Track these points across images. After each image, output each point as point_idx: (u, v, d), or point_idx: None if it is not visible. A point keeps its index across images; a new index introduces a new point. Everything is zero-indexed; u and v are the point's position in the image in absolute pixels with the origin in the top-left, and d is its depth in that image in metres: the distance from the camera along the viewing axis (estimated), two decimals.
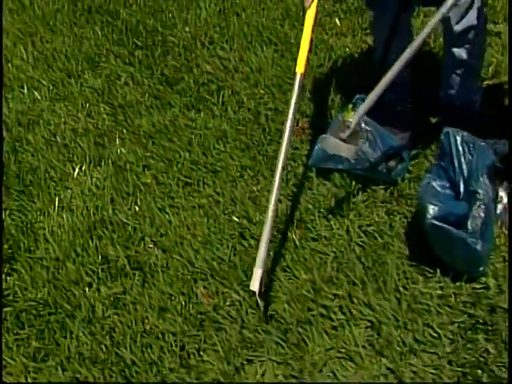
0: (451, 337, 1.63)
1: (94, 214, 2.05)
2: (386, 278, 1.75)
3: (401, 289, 1.73)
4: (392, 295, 1.71)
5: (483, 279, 1.75)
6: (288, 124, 1.71)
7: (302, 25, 2.78)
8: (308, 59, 1.79)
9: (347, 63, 2.53)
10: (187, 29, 2.90)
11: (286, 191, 2.01)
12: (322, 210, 1.96)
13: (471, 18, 1.94)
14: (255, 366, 1.60)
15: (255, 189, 2.07)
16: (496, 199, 1.78)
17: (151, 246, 1.94)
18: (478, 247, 1.62)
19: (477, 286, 1.74)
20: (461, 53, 2.04)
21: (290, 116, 1.72)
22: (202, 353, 1.64)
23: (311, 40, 1.81)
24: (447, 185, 1.73)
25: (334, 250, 1.84)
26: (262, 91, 2.46)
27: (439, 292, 1.72)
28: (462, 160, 1.74)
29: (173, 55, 2.73)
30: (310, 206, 1.98)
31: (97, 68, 2.73)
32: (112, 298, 1.80)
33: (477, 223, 1.62)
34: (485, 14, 2.03)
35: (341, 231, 1.89)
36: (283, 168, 1.72)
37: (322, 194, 2.02)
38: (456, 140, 1.77)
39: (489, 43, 2.58)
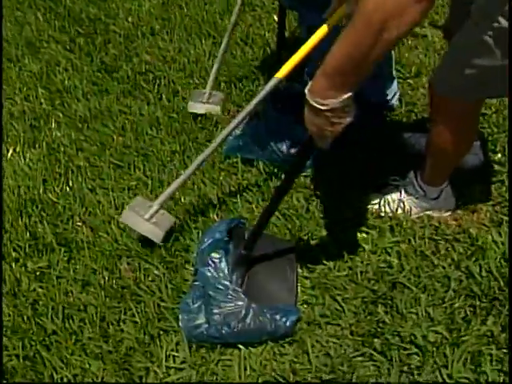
0: (354, 310, 1.76)
1: (25, 193, 2.11)
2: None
3: (309, 265, 1.86)
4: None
5: (388, 258, 1.90)
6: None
7: (241, 19, 2.94)
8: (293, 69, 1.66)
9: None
10: (130, 19, 2.97)
11: (212, 175, 2.12)
12: (244, 194, 2.07)
13: None
14: (170, 335, 1.70)
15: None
16: None
17: (79, 224, 2.02)
18: None
19: (382, 265, 1.88)
20: None
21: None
22: (120, 323, 1.72)
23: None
24: None
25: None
26: (197, 81, 2.57)
27: (347, 271, 1.86)
28: None
29: (114, 44, 2.80)
30: (234, 190, 2.09)
31: (37, 53, 2.77)
32: (38, 273, 1.86)
33: None
34: None
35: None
36: None
37: (247, 179, 2.13)
38: None
39: (415, 45, 2.75)
